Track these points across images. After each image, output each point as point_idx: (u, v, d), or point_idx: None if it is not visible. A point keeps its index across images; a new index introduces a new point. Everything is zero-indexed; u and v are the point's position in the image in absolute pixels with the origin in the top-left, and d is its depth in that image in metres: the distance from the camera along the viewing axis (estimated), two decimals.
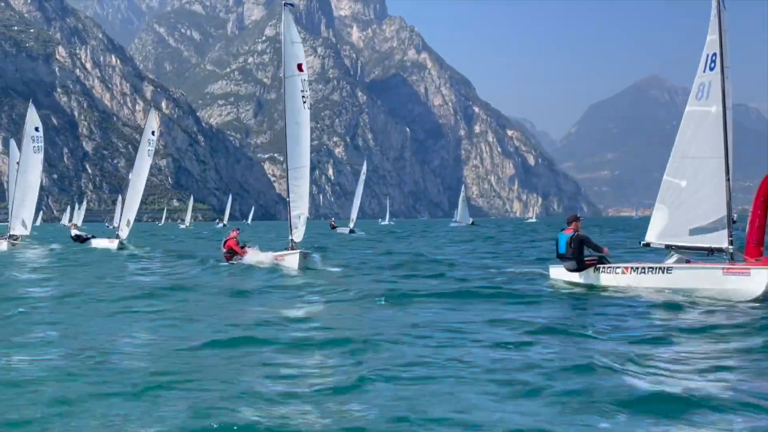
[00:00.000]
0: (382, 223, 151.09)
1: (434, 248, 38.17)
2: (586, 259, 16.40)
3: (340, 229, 75.07)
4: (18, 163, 41.41)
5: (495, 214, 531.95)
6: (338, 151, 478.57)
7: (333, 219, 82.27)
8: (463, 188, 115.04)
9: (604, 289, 15.64)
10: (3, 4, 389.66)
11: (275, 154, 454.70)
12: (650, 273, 15.37)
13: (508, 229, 74.49)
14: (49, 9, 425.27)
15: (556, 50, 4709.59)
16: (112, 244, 39.00)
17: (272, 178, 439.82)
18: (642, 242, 16.58)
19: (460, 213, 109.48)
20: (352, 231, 71.11)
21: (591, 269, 16.35)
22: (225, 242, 25.68)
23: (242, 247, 25.46)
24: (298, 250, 23.45)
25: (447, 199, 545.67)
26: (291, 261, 23.14)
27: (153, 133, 39.78)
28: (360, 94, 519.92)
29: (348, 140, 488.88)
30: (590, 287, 15.99)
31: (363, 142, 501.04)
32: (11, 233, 40.23)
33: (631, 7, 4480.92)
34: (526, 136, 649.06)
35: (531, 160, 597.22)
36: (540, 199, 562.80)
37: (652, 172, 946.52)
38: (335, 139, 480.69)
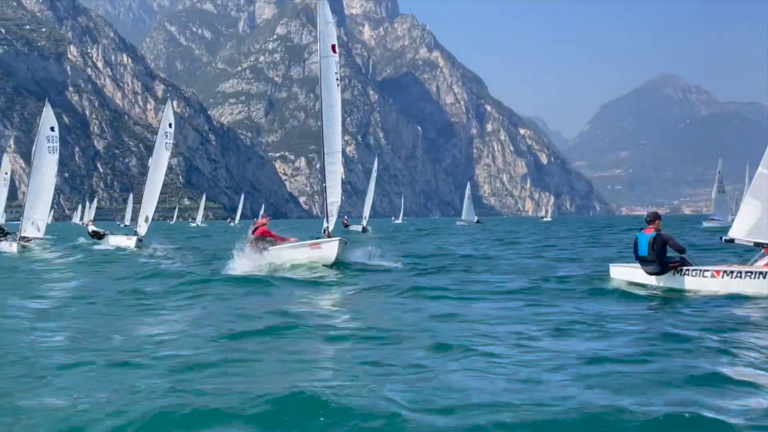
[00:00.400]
0: (395, 221, 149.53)
1: (476, 247, 36.10)
2: (669, 262, 14.47)
3: (353, 227, 72.73)
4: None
5: (507, 212, 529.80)
6: (349, 149, 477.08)
7: (346, 217, 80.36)
8: (468, 186, 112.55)
9: (690, 292, 13.79)
10: (15, 3, 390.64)
11: (286, 153, 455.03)
12: (747, 277, 13.33)
13: (530, 230, 70.29)
14: (60, 8, 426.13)
15: (569, 48, 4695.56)
16: (130, 242, 36.85)
17: (283, 177, 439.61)
18: (724, 238, 14.72)
19: (465, 211, 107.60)
20: (364, 229, 69.18)
21: (673, 271, 14.34)
22: (255, 229, 22.46)
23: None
24: (337, 238, 21.10)
25: (458, 198, 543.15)
26: (329, 250, 20.74)
27: (170, 125, 37.80)
28: (371, 92, 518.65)
29: (359, 139, 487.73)
30: (672, 291, 14.17)
31: (374, 141, 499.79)
32: (22, 235, 38.31)
33: (643, 5, 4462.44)
34: (538, 134, 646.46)
35: (543, 159, 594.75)
36: (552, 198, 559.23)
37: (665, 171, 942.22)
38: (346, 137, 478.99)
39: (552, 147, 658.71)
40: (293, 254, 21.03)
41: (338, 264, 20.47)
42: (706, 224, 70.04)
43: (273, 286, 16.34)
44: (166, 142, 37.67)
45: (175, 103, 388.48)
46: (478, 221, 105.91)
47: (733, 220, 15.09)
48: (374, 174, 77.14)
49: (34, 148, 39.77)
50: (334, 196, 23.15)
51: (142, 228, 37.76)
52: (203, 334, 9.79)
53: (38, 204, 38.41)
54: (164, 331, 10.19)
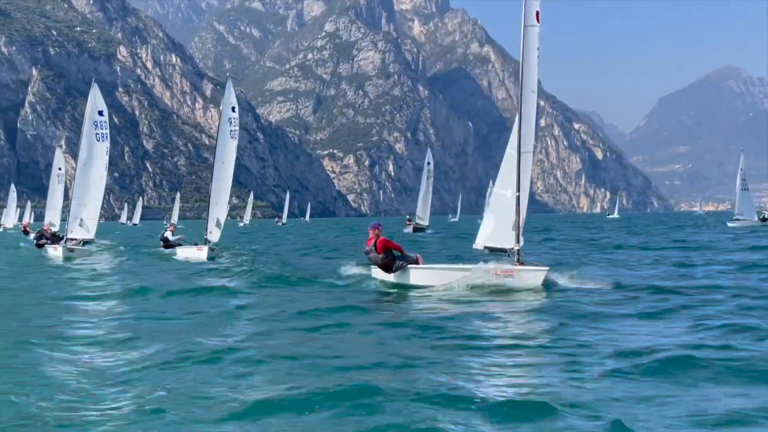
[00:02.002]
0: (452, 219, 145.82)
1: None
2: None
3: (406, 229, 66.24)
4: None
5: (561, 209, 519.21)
6: (399, 146, 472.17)
7: (409, 216, 74.04)
8: (491, 184, 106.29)
9: None
10: (66, 5, 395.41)
11: (334, 150, 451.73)
12: None
13: (634, 231, 60.00)
14: (110, 9, 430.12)
15: (625, 41, 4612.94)
16: (201, 253, 29.95)
17: (331, 175, 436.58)
18: None
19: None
20: (420, 229, 63.92)
21: None
22: (377, 242, 17.63)
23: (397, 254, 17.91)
24: (545, 267, 16.59)
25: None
26: (530, 279, 16.24)
27: (234, 109, 32.40)
28: (421, 88, 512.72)
29: (409, 135, 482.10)
30: None
31: (424, 137, 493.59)
32: (68, 236, 33.64)
33: None
34: (593, 129, 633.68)
35: (599, 154, 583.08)
36: (608, 194, 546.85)
37: (727, 166, 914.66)
38: (396, 134, 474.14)
39: (608, 142, 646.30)
40: (468, 278, 16.67)
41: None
42: (730, 224, 66.31)
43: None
44: (231, 130, 32.21)
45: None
46: None
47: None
48: (426, 167, 69.58)
49: (81, 136, 35.00)
50: (523, 201, 17.50)
51: (214, 234, 31.80)
52: None
53: (87, 200, 33.87)
54: None
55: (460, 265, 17.82)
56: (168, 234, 35.32)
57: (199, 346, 9.42)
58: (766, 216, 67.78)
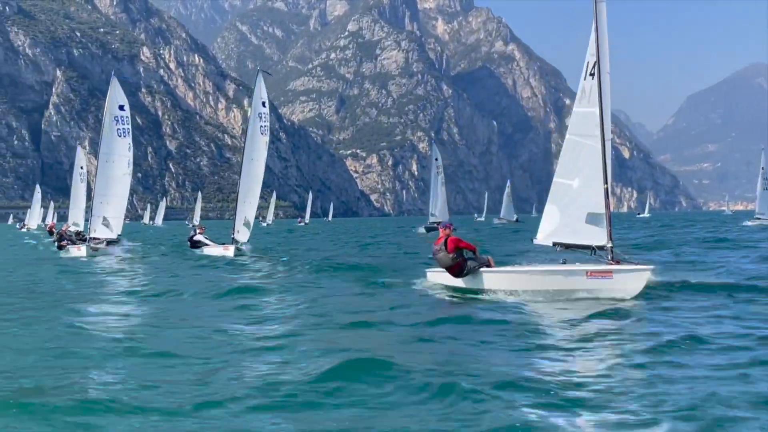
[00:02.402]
0: (479, 219, 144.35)
1: None
2: None
3: (419, 229, 63.71)
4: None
5: None
6: (422, 146, 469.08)
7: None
8: (508, 184, 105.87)
9: None
10: (90, 6, 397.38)
11: (357, 150, 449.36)
12: None
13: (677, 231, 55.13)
14: (133, 10, 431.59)
15: (651, 39, 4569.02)
16: (228, 252, 29.56)
17: (354, 174, 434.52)
18: None
19: (504, 209, 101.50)
20: (433, 228, 59.94)
21: None
22: (447, 241, 15.31)
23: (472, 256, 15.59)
24: (649, 267, 14.09)
25: (536, 194, 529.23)
26: (630, 282, 13.72)
27: (264, 104, 31.22)
28: (445, 87, 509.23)
29: (432, 135, 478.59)
30: None
31: (448, 137, 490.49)
32: (92, 236, 32.78)
33: None
34: (620, 127, 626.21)
35: (625, 153, 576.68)
36: (635, 193, 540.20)
37: (757, 164, 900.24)
38: (419, 133, 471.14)
39: (635, 140, 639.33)
40: (556, 281, 14.27)
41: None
42: (749, 223, 64.28)
43: None
44: (262, 126, 30.97)
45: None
46: (517, 220, 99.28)
47: None
48: (435, 164, 65.83)
49: (101, 131, 33.81)
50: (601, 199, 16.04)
51: (242, 234, 30.95)
52: None
53: (110, 198, 32.90)
54: None
55: (544, 267, 15.22)
56: (200, 238, 33.71)
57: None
58: None
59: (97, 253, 31.08)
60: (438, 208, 63.48)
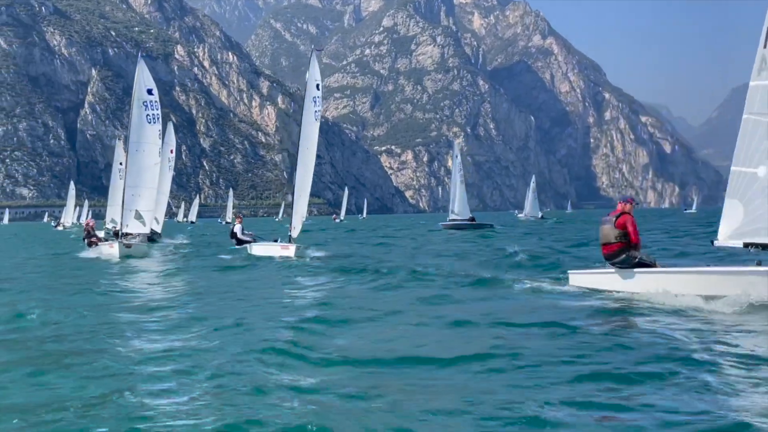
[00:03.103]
0: (519, 216, 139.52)
1: None
2: None
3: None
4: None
5: None
6: (458, 141, 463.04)
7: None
8: (533, 179, 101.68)
9: None
10: (125, 6, 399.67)
11: (392, 146, 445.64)
12: None
13: None
14: (168, 9, 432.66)
15: (693, 31, 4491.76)
16: (288, 251, 26.08)
17: (389, 171, 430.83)
18: None
19: (528, 205, 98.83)
20: (460, 227, 58.74)
21: None
22: (620, 215, 14.14)
23: None
24: None
25: (574, 190, 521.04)
26: None
27: (318, 86, 28.16)
28: (481, 82, 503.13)
29: (468, 130, 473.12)
30: None
31: (485, 132, 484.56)
32: (124, 231, 30.28)
33: None
34: (661, 122, 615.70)
35: (667, 148, 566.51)
36: (677, 189, 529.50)
37: None
38: (455, 129, 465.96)
39: (676, 135, 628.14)
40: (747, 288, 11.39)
41: None
42: None
43: None
44: (316, 111, 28.06)
45: (279, 99, 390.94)
46: (542, 217, 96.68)
47: None
48: (455, 161, 64.80)
49: (129, 118, 31.43)
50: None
51: (296, 231, 28.05)
52: None
53: (141, 190, 30.30)
54: None
55: (730, 268, 12.76)
56: (237, 228, 31.35)
57: None
58: None
59: (132, 253, 28.07)
60: (457, 206, 62.15)
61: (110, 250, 28.32)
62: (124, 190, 30.80)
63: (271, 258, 25.52)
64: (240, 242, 30.59)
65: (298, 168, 28.29)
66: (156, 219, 40.89)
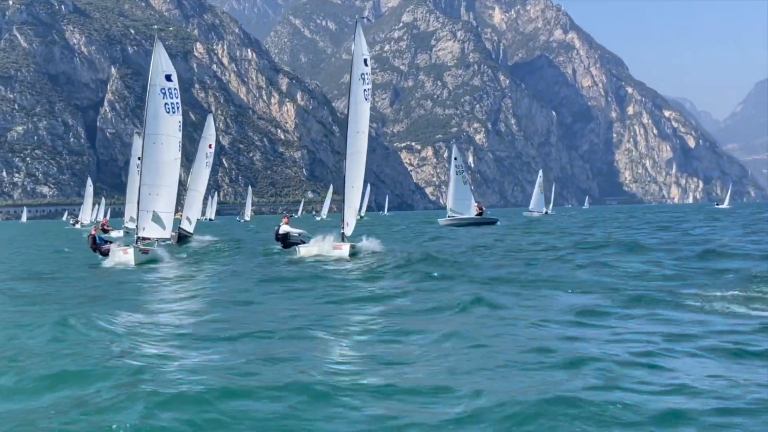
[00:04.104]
0: (525, 213, 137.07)
1: None
2: None
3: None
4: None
5: (650, 200, 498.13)
6: (479, 137, 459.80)
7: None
8: (540, 174, 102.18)
9: None
10: (143, 4, 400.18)
11: (412, 143, 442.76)
12: None
13: None
14: (187, 6, 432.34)
15: (717, 24, 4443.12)
16: (341, 251, 23.97)
17: (409, 167, 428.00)
18: None
19: (534, 201, 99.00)
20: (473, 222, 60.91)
21: None
22: None
23: None
24: None
25: (597, 185, 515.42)
26: None
27: (366, 62, 25.72)
28: (502, 77, 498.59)
29: (489, 126, 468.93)
30: None
31: (506, 128, 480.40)
32: (140, 235, 26.71)
33: None
34: (685, 116, 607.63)
35: (691, 142, 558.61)
36: (701, 184, 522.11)
37: None
38: (476, 125, 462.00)
39: (700, 129, 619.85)
40: None
41: None
42: None
43: None
44: (365, 89, 25.85)
45: (298, 96, 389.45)
46: (546, 213, 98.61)
47: None
48: (453, 163, 67.09)
49: (146, 107, 27.77)
50: None
51: (350, 227, 25.55)
52: None
53: (158, 189, 26.99)
54: None
55: None
56: (286, 228, 28.01)
57: None
58: None
59: (149, 259, 24.96)
60: (454, 204, 64.51)
61: (124, 257, 24.60)
62: (139, 188, 27.45)
63: (321, 260, 23.07)
64: (288, 244, 27.42)
65: (348, 155, 25.80)
66: (188, 218, 39.01)
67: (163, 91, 26.99)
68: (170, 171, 26.93)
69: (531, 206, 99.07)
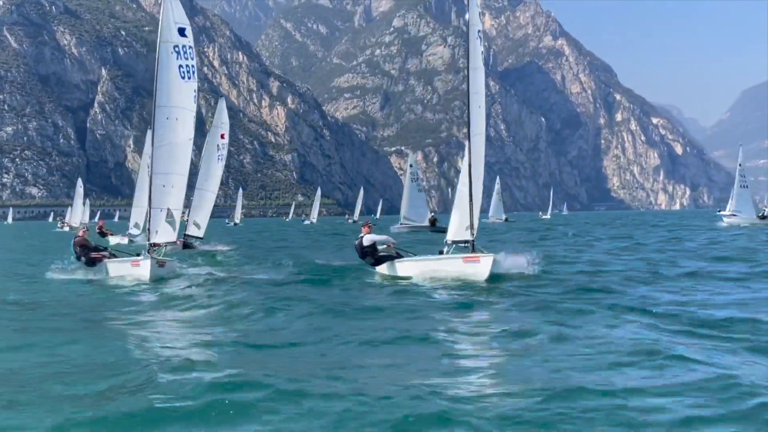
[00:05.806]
0: (543, 217, 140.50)
1: None
2: None
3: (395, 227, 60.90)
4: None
5: (638, 206, 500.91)
6: (413, 155, 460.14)
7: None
8: (497, 180, 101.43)
9: None
10: (135, 5, 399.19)
11: (402, 147, 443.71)
12: None
13: None
14: None
15: (705, 32, 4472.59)
16: (482, 268, 18.49)
17: (399, 172, 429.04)
18: None
19: (493, 208, 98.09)
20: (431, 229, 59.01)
21: None
22: None
23: None
24: None
25: (585, 191, 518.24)
26: None
27: (480, 33, 20.13)
28: (492, 83, 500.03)
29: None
30: None
31: (495, 133, 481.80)
32: (152, 241, 21.17)
33: None
34: (672, 123, 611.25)
35: (678, 149, 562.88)
36: (688, 191, 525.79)
37: None
38: (465, 130, 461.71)
39: (688, 136, 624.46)
40: None
41: None
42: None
43: None
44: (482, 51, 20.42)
45: (289, 99, 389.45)
46: (506, 219, 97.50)
47: None
48: (409, 170, 66.43)
49: (156, 72, 21.03)
50: None
51: (475, 229, 19.73)
52: None
53: (173, 179, 21.27)
54: None
55: None
56: (371, 237, 19.95)
57: None
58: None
59: (167, 272, 20.15)
60: (408, 212, 63.65)
61: (137, 270, 19.75)
62: (150, 180, 21.50)
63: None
64: (378, 258, 20.22)
65: (472, 137, 19.85)
66: (196, 223, 33.19)
67: (176, 49, 20.56)
68: (183, 155, 21.23)
69: (490, 214, 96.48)
